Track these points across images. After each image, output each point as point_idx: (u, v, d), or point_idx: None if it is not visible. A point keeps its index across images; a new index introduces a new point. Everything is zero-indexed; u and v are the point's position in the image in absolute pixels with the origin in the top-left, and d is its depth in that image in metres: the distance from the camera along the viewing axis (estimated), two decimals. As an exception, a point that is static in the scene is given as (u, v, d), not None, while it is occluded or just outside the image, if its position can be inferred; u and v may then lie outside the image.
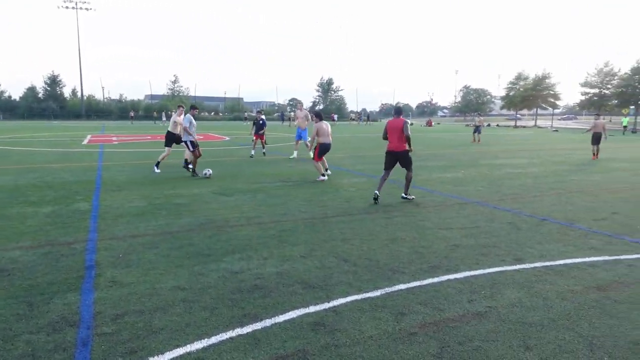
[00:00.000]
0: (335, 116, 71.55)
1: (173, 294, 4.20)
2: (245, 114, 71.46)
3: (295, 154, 16.17)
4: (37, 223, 6.67)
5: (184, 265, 4.97)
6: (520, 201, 8.78)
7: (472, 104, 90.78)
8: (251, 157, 16.56)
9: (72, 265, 4.91)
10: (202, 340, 3.36)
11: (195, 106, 12.37)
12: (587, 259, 5.31)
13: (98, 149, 19.44)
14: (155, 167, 12.31)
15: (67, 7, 71.98)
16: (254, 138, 17.00)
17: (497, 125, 65.40)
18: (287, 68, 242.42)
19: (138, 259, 5.13)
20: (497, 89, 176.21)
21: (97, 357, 3.12)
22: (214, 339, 3.37)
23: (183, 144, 11.88)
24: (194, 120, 11.76)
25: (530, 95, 61.78)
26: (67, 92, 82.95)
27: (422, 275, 4.73)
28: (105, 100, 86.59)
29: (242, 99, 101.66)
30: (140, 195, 8.92)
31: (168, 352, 3.19)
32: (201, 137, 29.47)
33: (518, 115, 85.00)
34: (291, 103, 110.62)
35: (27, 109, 72.33)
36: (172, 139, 12.45)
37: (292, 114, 70.52)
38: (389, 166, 8.61)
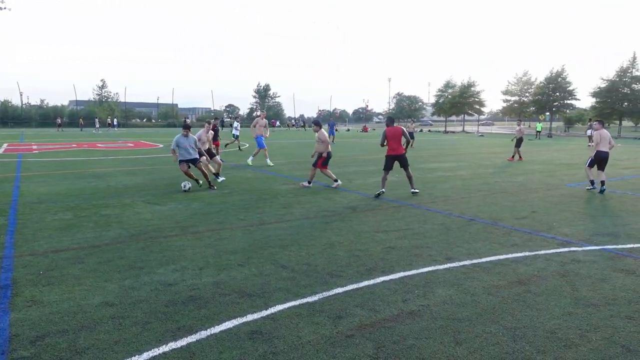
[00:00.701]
0: (277, 122, 71.64)
1: (101, 310, 3.97)
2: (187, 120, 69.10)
3: (268, 160, 16.19)
4: (-57, 241, 6.05)
5: (113, 279, 4.72)
6: (450, 203, 9.23)
7: (405, 110, 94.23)
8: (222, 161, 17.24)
9: (-16, 285, 4.50)
10: (133, 357, 3.21)
11: (188, 126, 10.89)
12: (510, 255, 5.67)
13: (16, 159, 18.01)
14: (217, 178, 11.94)
15: (-23, 6, 66.16)
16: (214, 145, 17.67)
17: (429, 130, 68.35)
18: (223, 73, 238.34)
19: (61, 276, 4.80)
20: (428, 96, 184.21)
21: (13, 384, 2.88)
22: (145, 355, 3.23)
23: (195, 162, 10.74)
24: (182, 141, 10.54)
25: (458, 102, 65.19)
26: (-24, 98, 75.86)
27: (359, 278, 4.83)
28: (24, 106, 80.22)
29: (176, 104, 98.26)
30: (64, 207, 8.37)
31: (95, 373, 3.01)
32: (132, 144, 28.23)
33: (430, 122, 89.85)
34: (228, 109, 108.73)
35: None
36: (200, 154, 11.07)
37: (234, 121, 69.14)
38: (389, 167, 9.92)
